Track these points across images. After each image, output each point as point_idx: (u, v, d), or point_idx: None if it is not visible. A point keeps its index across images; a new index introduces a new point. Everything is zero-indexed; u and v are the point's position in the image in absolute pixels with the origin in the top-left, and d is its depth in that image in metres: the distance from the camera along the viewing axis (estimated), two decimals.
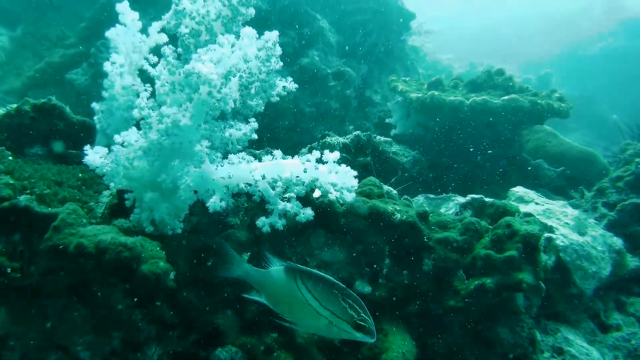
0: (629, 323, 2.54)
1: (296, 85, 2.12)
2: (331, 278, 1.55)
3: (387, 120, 3.99)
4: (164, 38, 2.11)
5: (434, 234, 2.18)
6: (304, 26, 4.46)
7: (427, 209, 2.92)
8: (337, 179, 1.69)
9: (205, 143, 1.72)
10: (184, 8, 1.85)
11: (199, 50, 1.66)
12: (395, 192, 3.11)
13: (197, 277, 1.85)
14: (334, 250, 2.16)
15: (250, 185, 1.75)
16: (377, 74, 5.03)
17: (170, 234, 1.83)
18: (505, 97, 3.19)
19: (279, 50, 1.90)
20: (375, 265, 2.14)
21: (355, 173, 1.75)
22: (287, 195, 1.75)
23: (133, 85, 2.01)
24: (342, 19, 4.89)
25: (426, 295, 2.12)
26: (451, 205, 3.11)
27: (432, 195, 3.16)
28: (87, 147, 1.81)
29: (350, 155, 3.08)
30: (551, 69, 9.79)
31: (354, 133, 3.14)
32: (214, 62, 1.60)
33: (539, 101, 3.22)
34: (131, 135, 1.75)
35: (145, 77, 2.03)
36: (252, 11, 2.00)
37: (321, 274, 1.56)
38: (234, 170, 1.72)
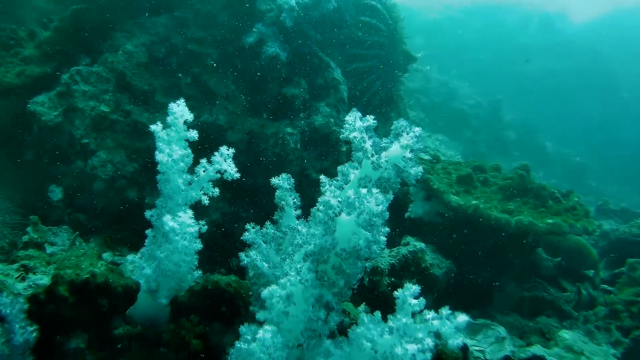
0: None
1: None
2: None
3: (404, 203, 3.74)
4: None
5: None
6: (316, 75, 3.99)
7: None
8: None
9: None
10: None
11: None
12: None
13: None
14: None
15: None
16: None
17: None
18: (550, 221, 3.10)
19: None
20: None
21: None
22: None
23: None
24: (349, 63, 4.45)
25: None
26: (490, 334, 3.00)
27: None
28: None
29: (396, 277, 2.81)
30: (502, 95, 9.97)
31: (400, 252, 2.87)
32: None
33: (577, 225, 3.16)
34: None
35: None
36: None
37: None
38: None
